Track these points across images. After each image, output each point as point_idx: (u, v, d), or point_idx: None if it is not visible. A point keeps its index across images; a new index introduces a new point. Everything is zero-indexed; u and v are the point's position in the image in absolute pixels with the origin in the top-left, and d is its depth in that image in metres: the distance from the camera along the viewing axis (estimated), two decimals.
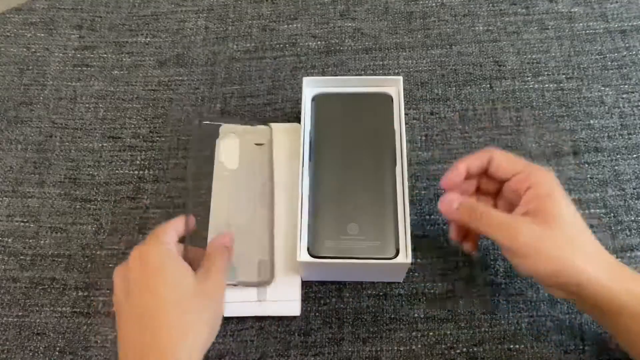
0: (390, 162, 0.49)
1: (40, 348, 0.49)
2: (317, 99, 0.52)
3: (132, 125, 0.59)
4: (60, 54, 0.64)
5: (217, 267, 0.44)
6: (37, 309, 0.50)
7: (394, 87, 0.53)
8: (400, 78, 0.52)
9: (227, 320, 0.48)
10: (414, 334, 0.48)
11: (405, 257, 0.45)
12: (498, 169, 0.44)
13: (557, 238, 0.39)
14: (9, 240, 0.54)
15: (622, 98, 0.57)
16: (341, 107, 0.52)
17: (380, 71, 0.61)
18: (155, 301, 0.41)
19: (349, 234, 0.46)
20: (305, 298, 0.49)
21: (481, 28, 0.62)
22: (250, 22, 0.65)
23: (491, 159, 0.44)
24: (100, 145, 0.58)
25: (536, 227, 0.40)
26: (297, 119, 0.52)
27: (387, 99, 0.52)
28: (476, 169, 0.44)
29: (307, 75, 0.59)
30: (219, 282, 0.44)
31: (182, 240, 0.46)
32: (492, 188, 0.46)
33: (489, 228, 0.41)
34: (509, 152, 0.44)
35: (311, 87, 0.53)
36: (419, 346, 0.47)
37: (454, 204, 0.43)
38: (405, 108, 0.57)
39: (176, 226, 0.46)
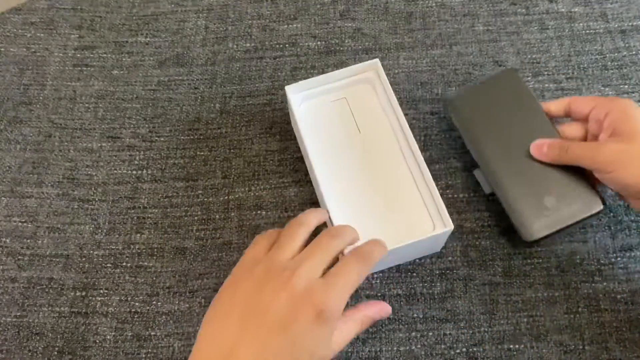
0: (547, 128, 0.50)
1: (39, 348, 0.49)
2: (453, 102, 0.53)
3: (132, 125, 0.59)
4: (60, 54, 0.64)
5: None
6: (36, 309, 0.50)
7: (373, 71, 0.53)
8: (377, 60, 0.53)
9: None
10: (413, 334, 0.48)
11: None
12: (577, 107, 0.49)
13: (637, 150, 0.43)
14: (7, 240, 0.53)
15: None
16: (477, 99, 0.53)
17: None
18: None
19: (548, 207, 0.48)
20: None
21: (481, 28, 0.62)
22: (250, 22, 0.65)
23: (571, 101, 0.50)
24: (99, 145, 0.58)
25: (615, 143, 0.44)
26: None
27: (512, 74, 0.53)
28: (555, 110, 0.50)
29: (307, 76, 0.60)
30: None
31: None
32: (578, 134, 0.50)
33: (575, 156, 0.46)
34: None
35: (296, 94, 0.53)
36: (419, 346, 0.47)
37: (543, 147, 0.48)
38: (405, 108, 0.57)
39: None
